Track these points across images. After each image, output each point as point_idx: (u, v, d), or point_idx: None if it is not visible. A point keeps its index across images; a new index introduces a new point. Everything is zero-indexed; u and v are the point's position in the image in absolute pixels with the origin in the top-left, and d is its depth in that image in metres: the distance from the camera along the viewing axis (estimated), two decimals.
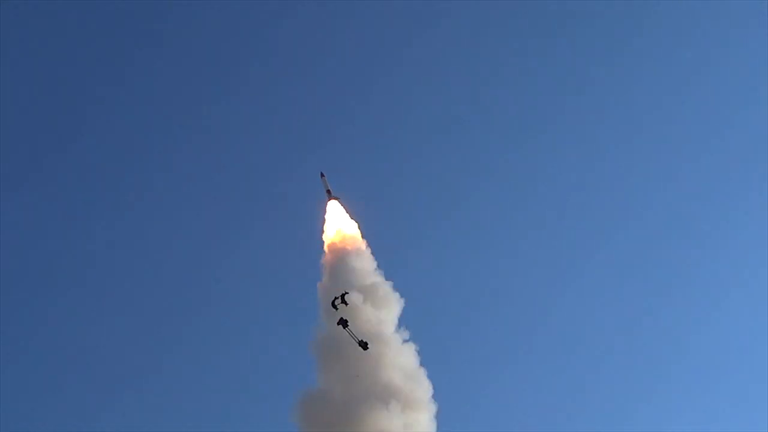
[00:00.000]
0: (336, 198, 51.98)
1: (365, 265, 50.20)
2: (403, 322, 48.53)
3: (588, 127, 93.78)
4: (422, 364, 47.46)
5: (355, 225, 51.97)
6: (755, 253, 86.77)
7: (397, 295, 48.68)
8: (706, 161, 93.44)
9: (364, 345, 45.47)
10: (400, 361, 47.11)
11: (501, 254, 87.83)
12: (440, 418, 46.73)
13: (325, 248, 51.35)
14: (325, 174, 51.80)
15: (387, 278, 49.89)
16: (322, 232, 51.92)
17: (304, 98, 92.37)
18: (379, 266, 50.53)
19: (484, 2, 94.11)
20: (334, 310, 46.03)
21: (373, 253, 51.25)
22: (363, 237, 51.68)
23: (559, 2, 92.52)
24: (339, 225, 51.80)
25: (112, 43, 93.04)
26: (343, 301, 46.17)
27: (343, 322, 45.52)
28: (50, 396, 77.46)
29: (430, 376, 47.45)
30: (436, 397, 47.08)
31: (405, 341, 47.89)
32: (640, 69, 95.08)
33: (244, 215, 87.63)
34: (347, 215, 52.24)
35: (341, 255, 50.56)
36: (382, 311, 47.77)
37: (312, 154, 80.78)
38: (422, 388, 46.74)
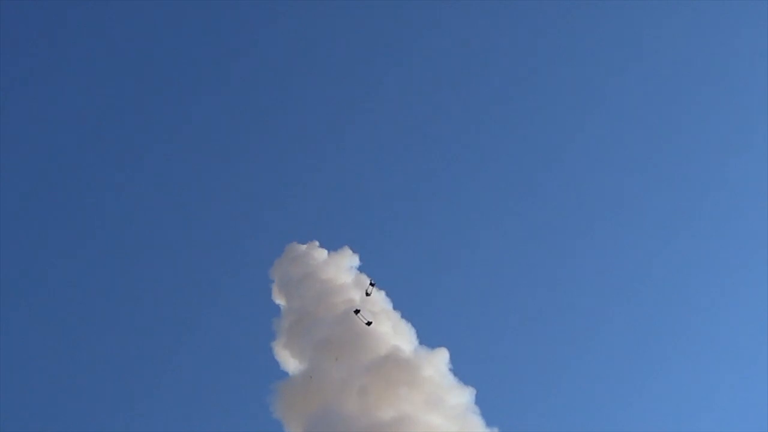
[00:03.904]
0: None
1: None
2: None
3: (585, 128, 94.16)
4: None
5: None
6: (755, 254, 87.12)
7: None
8: (706, 160, 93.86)
9: (368, 323, 46.81)
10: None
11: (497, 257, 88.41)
12: None
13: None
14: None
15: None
16: None
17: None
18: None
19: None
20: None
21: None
22: None
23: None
24: None
25: None
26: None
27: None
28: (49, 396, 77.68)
29: None
30: None
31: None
32: (638, 69, 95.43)
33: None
34: None
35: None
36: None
37: None
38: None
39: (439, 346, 45.64)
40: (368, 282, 49.11)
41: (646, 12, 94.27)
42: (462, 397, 43.53)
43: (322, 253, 52.70)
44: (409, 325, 47.77)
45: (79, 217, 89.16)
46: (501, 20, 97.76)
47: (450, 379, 44.66)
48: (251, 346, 75.15)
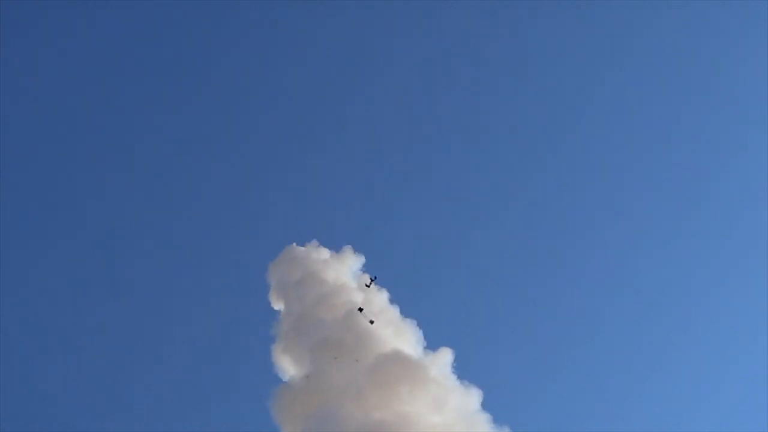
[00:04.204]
0: None
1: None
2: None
3: (587, 128, 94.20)
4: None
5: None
6: (755, 254, 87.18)
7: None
8: (707, 161, 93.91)
9: (371, 322, 46.62)
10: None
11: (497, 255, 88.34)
12: None
13: None
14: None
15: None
16: None
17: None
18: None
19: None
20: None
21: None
22: None
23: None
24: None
25: None
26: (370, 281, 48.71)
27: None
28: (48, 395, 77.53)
29: None
30: None
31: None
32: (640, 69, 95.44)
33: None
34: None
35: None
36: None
37: None
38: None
39: (443, 346, 45.54)
40: (369, 280, 49.07)
41: (646, 12, 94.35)
42: (466, 397, 43.32)
43: (323, 253, 52.29)
44: (413, 325, 47.57)
45: (77, 218, 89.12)
46: (501, 20, 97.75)
47: (453, 379, 44.45)
48: (251, 349, 75.03)
